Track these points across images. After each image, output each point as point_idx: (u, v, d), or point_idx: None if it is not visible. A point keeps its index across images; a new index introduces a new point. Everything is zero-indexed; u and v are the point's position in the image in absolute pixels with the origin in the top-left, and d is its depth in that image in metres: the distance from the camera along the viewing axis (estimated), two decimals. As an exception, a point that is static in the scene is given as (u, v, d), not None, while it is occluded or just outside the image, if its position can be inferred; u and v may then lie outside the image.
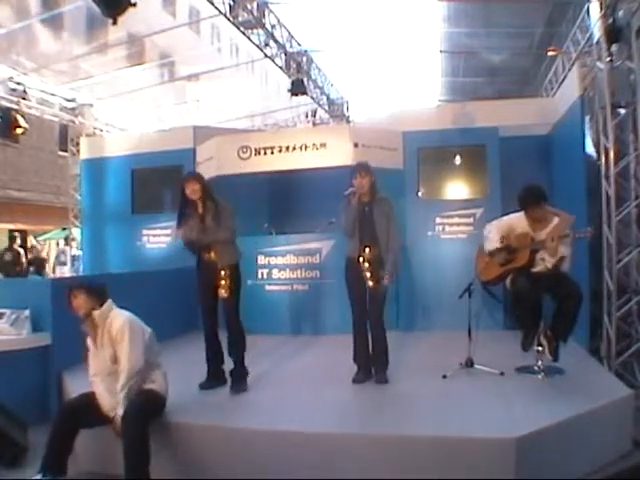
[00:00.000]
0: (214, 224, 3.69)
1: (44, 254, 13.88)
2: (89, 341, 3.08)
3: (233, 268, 3.76)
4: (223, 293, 3.68)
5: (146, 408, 2.89)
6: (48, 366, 4.08)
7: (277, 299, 5.89)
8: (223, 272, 3.68)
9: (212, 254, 3.73)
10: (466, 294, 4.02)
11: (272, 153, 6.19)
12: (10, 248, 11.35)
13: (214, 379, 3.82)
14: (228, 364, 3.84)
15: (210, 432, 3.07)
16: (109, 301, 3.06)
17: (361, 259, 3.79)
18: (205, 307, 3.85)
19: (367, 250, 3.78)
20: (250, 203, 6.47)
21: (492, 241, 3.91)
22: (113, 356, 2.97)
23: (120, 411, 2.83)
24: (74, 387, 3.68)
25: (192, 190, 3.74)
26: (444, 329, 5.36)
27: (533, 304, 3.81)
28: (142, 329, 3.04)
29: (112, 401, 2.91)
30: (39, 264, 12.46)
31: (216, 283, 3.70)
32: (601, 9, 4.73)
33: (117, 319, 2.99)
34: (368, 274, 3.75)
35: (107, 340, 2.99)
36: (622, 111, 4.77)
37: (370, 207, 3.84)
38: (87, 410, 2.91)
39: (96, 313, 3.01)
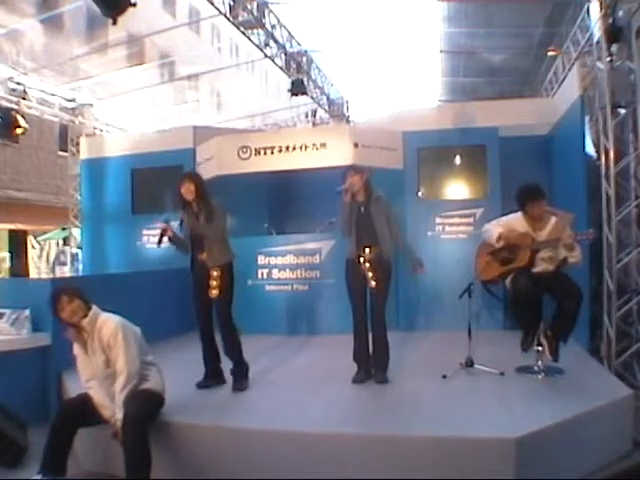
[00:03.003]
0: (206, 224, 3.69)
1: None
2: (77, 348, 3.01)
3: (225, 268, 3.75)
4: (213, 293, 3.69)
5: (145, 409, 2.88)
6: (48, 366, 4.08)
7: (277, 299, 5.89)
8: (215, 272, 3.68)
9: (204, 254, 3.73)
10: (466, 294, 4.01)
11: (272, 153, 6.18)
12: None
13: (212, 378, 3.82)
14: (227, 363, 3.83)
15: (209, 432, 3.07)
16: (94, 306, 3.01)
17: (362, 259, 3.78)
18: (199, 307, 3.84)
19: (367, 250, 3.78)
20: (250, 203, 6.48)
21: (494, 232, 3.89)
22: (106, 361, 2.94)
23: (119, 415, 2.81)
24: (74, 387, 3.67)
25: (187, 190, 3.73)
26: (444, 329, 5.36)
27: (533, 304, 3.81)
28: (133, 330, 3.01)
29: (112, 406, 2.88)
30: None
31: (207, 283, 3.70)
32: (601, 9, 4.72)
33: (107, 324, 2.94)
34: (370, 274, 3.75)
35: (98, 346, 2.94)
36: (622, 111, 4.77)
37: (366, 207, 3.84)
38: (86, 409, 2.89)
39: (85, 320, 2.94)
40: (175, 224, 3.82)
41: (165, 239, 3.76)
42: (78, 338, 2.97)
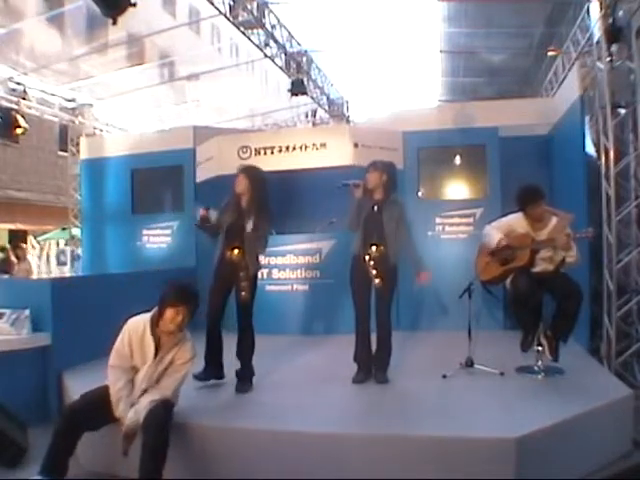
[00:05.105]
0: (253, 227, 3.66)
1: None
2: (135, 337, 2.94)
3: (252, 276, 3.75)
4: (244, 294, 3.64)
5: (168, 418, 2.88)
6: (48, 366, 4.07)
7: (277, 299, 5.88)
8: (244, 274, 3.64)
9: (238, 254, 3.67)
10: (466, 294, 4.02)
11: (272, 153, 6.19)
12: None
13: (212, 372, 3.80)
14: (230, 363, 3.83)
15: (211, 432, 3.06)
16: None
17: (367, 257, 3.75)
18: (214, 304, 3.79)
19: (374, 248, 3.74)
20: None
21: (494, 237, 3.90)
22: (160, 375, 2.95)
23: (139, 417, 2.78)
24: (74, 387, 3.69)
25: (239, 182, 3.76)
26: (444, 329, 5.36)
27: (533, 304, 3.81)
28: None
29: (126, 406, 2.86)
30: None
31: (236, 282, 3.66)
32: (601, 9, 4.73)
33: (188, 351, 2.98)
34: (374, 272, 3.72)
35: (168, 361, 2.95)
36: (622, 111, 4.77)
37: (380, 207, 3.81)
38: (90, 413, 2.84)
39: (180, 334, 2.96)
40: (214, 213, 3.81)
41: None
42: (157, 340, 2.95)
